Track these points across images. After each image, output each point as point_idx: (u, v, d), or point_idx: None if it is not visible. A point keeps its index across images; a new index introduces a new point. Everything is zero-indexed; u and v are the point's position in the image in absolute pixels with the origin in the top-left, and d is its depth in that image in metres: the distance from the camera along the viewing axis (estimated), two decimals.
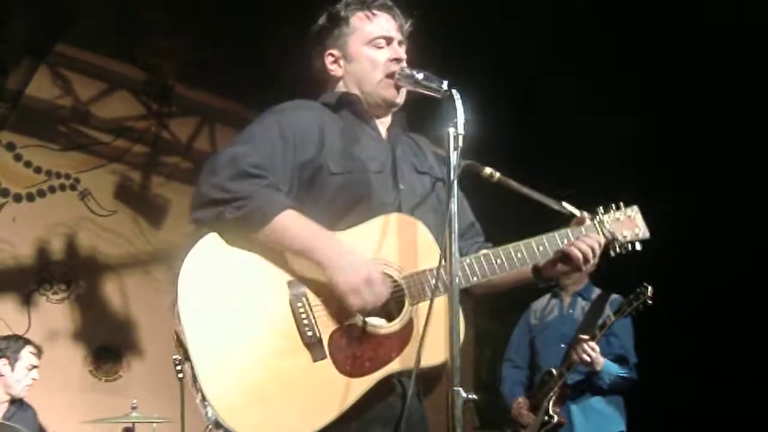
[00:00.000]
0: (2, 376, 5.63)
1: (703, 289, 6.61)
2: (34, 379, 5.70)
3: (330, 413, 2.50)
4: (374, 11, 2.93)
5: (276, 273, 2.59)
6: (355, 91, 2.91)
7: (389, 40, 2.91)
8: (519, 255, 2.80)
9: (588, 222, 2.93)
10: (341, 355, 2.55)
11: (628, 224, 2.98)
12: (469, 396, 2.33)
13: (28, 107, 7.06)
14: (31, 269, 7.03)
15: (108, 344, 7.23)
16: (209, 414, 2.47)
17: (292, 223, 2.57)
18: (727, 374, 6.66)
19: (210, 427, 4.83)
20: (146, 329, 7.32)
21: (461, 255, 2.72)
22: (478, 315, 8.40)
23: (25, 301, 6.94)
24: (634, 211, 3.02)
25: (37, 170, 7.15)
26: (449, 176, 2.47)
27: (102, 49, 7.23)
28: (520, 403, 5.31)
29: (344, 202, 2.71)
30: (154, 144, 7.74)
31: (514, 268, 2.80)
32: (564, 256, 2.84)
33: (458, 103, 2.50)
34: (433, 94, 2.65)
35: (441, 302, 2.52)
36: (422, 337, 2.48)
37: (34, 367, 5.72)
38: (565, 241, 2.85)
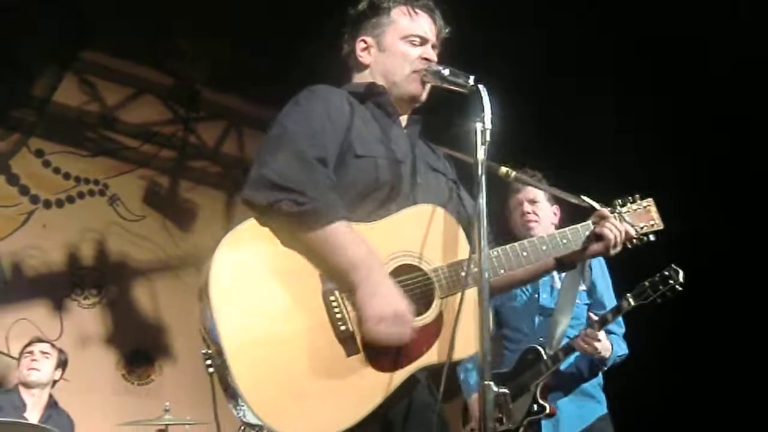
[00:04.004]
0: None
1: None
2: (34, 360, 5.82)
3: (364, 409, 2.46)
4: (417, 10, 2.94)
5: (308, 265, 2.53)
6: (381, 81, 2.90)
7: (424, 41, 2.91)
8: (544, 247, 2.84)
9: (609, 215, 2.97)
10: (374, 349, 2.50)
11: (644, 216, 3.05)
12: (500, 390, 2.32)
13: (55, 114, 7.13)
14: (62, 275, 7.09)
15: (140, 348, 7.29)
16: (242, 412, 2.44)
17: (342, 236, 2.50)
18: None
19: (243, 427, 4.90)
20: (177, 332, 7.36)
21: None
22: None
23: (57, 307, 6.99)
24: (650, 203, 3.08)
25: (66, 176, 7.23)
26: (477, 171, 2.46)
27: (128, 55, 7.29)
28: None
29: (364, 185, 2.67)
30: (182, 149, 7.79)
31: (540, 260, 2.84)
32: (596, 239, 2.91)
33: (485, 98, 2.50)
34: (459, 89, 2.65)
35: (470, 294, 2.50)
36: (454, 328, 2.47)
37: (27, 353, 5.88)
38: (587, 233, 2.92)
